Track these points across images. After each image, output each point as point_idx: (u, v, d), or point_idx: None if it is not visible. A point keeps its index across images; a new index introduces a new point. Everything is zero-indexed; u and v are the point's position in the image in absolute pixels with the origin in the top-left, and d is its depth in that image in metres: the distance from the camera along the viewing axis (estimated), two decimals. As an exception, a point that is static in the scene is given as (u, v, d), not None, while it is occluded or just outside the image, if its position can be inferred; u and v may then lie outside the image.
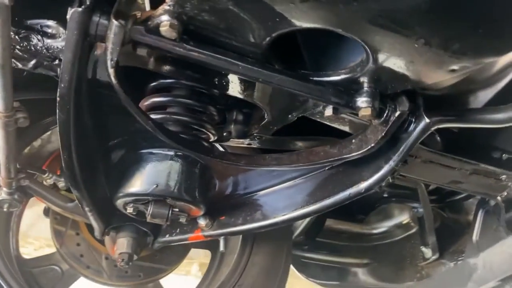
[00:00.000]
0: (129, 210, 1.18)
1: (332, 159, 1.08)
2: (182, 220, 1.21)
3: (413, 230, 2.43)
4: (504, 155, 1.31)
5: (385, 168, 1.05)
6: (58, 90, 0.86)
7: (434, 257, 2.10)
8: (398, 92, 0.96)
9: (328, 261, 2.35)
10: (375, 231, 2.51)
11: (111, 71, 0.83)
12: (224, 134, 1.36)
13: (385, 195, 2.35)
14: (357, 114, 0.96)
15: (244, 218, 1.24)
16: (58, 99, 0.87)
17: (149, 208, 1.16)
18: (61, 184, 1.46)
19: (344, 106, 0.97)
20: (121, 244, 1.34)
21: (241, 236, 1.66)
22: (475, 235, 1.82)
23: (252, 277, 1.54)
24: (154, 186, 1.10)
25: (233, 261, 1.60)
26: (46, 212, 1.60)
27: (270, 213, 1.21)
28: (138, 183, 1.11)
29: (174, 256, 1.64)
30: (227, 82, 1.07)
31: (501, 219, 1.75)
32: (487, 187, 1.37)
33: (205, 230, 1.29)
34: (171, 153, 1.11)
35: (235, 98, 1.15)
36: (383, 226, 2.50)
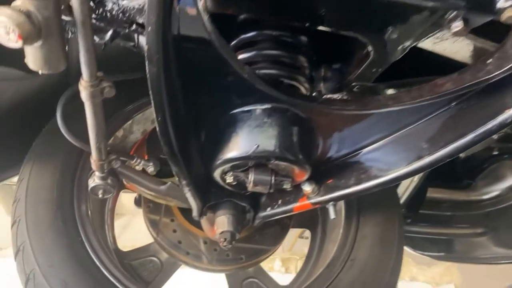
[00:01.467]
0: (229, 180, 1.07)
1: (465, 85, 0.88)
2: (286, 186, 1.08)
3: (532, 190, 2.12)
4: None
5: (539, 86, 0.84)
6: (146, 38, 0.76)
7: None
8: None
9: (436, 233, 2.12)
10: (485, 197, 2.22)
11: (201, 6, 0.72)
12: (314, 94, 1.22)
13: (495, 152, 2.06)
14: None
15: (357, 178, 1.07)
16: (146, 47, 0.77)
17: (250, 175, 1.04)
18: (150, 169, 1.39)
19: (478, 11, 0.78)
20: (221, 222, 1.24)
21: (343, 209, 1.50)
22: None
23: (365, 250, 1.37)
24: (255, 146, 0.97)
25: (340, 235, 1.44)
26: (138, 202, 1.54)
27: (388, 167, 1.03)
28: (237, 146, 0.99)
29: (273, 236, 1.52)
30: (321, 13, 0.91)
31: None
32: None
33: (311, 197, 1.14)
34: (268, 106, 0.97)
35: (324, 51, 1.00)
36: (495, 190, 2.20)
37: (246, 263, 1.45)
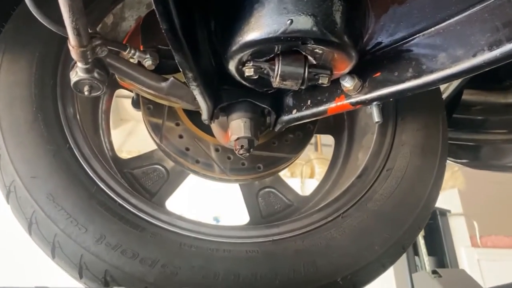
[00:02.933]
0: (248, 72, 0.82)
1: None
2: (323, 80, 0.84)
3: None
4: None
5: None
6: None
7: None
8: None
9: (470, 139, 1.91)
10: (524, 100, 1.98)
11: None
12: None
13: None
14: None
15: (417, 69, 0.82)
16: None
17: (276, 66, 0.79)
18: (148, 62, 1.13)
19: None
20: (237, 127, 1.02)
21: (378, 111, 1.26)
22: None
23: (404, 158, 1.16)
24: (288, 22, 0.70)
25: (373, 142, 1.22)
26: (135, 103, 1.31)
27: (459, 54, 0.77)
28: (260, 24, 0.73)
29: (295, 143, 1.31)
30: None
31: None
32: None
33: (352, 95, 0.90)
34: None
35: None
36: (539, 90, 1.95)
37: (264, 173, 1.26)
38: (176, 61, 0.78)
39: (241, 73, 0.85)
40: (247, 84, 0.93)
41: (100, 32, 0.98)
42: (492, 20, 0.75)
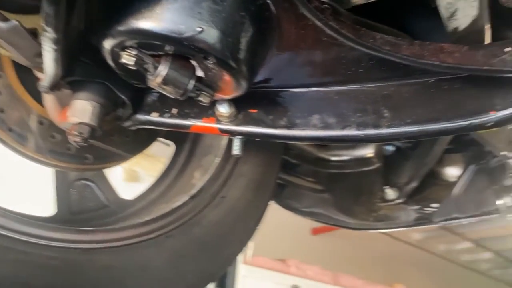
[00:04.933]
0: (125, 59, 0.69)
1: (474, 67, 0.71)
2: (204, 99, 0.77)
3: (373, 167, 2.27)
4: None
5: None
6: None
7: (398, 200, 1.97)
8: None
9: (279, 178, 2.09)
10: (333, 158, 2.29)
11: None
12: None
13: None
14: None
15: (290, 120, 0.83)
16: None
17: (162, 66, 0.69)
18: (-18, -13, 0.85)
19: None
20: (81, 110, 0.85)
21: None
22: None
23: (238, 190, 1.17)
24: (198, 29, 0.62)
25: (214, 165, 1.20)
26: None
27: (332, 121, 0.82)
28: (167, 17, 0.62)
29: (135, 142, 1.17)
30: None
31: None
32: None
33: (223, 122, 0.86)
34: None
35: None
36: (344, 155, 2.28)
37: (90, 166, 1.08)
38: (44, 15, 0.59)
39: (115, 56, 0.71)
40: (113, 68, 0.78)
41: None
42: (365, 102, 0.82)
